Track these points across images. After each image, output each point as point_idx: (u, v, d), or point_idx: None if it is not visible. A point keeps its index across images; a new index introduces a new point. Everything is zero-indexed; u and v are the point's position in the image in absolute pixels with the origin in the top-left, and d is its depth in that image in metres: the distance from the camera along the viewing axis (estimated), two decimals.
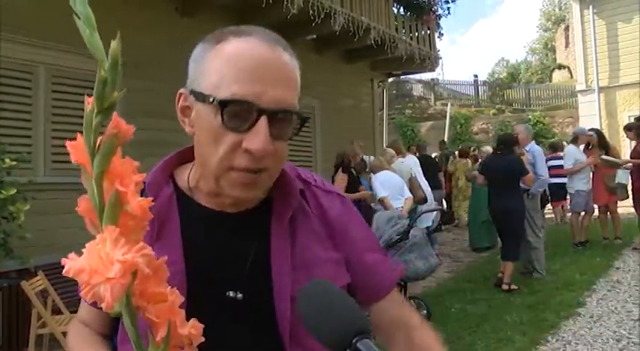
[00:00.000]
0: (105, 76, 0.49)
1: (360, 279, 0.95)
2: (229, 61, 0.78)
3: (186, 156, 0.93)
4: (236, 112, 0.77)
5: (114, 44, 0.49)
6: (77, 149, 0.49)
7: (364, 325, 0.62)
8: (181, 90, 0.87)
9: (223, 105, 0.76)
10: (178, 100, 0.87)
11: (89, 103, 0.49)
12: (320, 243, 0.91)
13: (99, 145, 0.49)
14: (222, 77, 0.78)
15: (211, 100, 0.77)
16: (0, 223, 4.06)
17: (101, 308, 0.46)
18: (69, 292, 4.19)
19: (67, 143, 0.49)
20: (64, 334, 3.60)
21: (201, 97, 0.80)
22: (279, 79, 0.80)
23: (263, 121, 0.76)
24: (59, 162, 5.04)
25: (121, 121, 0.50)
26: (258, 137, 0.76)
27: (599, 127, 11.13)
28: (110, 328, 0.92)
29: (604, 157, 7.80)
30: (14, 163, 4.11)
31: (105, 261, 0.44)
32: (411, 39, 9.67)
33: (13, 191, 3.97)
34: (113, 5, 5.62)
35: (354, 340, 0.60)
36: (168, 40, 5.88)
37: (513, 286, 5.67)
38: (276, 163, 0.82)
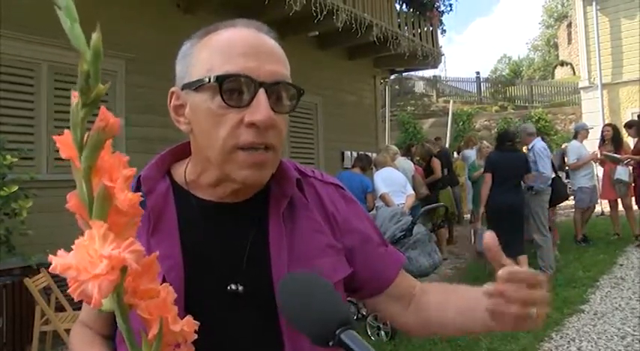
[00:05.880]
0: (88, 69, 0.47)
1: (366, 270, 0.94)
2: (218, 48, 0.80)
3: (181, 152, 0.94)
4: (234, 88, 0.78)
5: (95, 36, 0.47)
6: (65, 144, 0.48)
7: (347, 316, 0.62)
8: (172, 89, 0.87)
9: (221, 81, 0.77)
10: (170, 100, 0.87)
11: (75, 97, 0.48)
12: (320, 232, 0.91)
13: (86, 140, 0.48)
14: (214, 62, 0.79)
15: (208, 80, 0.78)
16: (2, 220, 4.06)
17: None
18: None
19: (55, 138, 0.48)
20: (67, 331, 3.60)
21: (195, 84, 0.80)
22: (270, 56, 0.82)
23: (262, 93, 0.78)
24: (62, 159, 4.97)
25: (109, 114, 0.49)
26: (259, 108, 0.77)
27: (601, 124, 11.09)
28: (111, 329, 0.92)
29: (606, 152, 7.78)
30: (15, 159, 4.11)
31: (92, 257, 0.42)
32: (414, 36, 9.63)
33: (15, 188, 3.97)
34: (115, 1, 5.62)
35: (337, 331, 0.60)
36: (170, 36, 5.87)
37: None
38: (278, 138, 0.82)
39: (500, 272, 0.70)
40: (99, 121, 0.48)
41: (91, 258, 0.42)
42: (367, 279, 0.95)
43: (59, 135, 0.50)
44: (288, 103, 0.83)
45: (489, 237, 0.71)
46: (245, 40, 0.81)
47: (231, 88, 0.78)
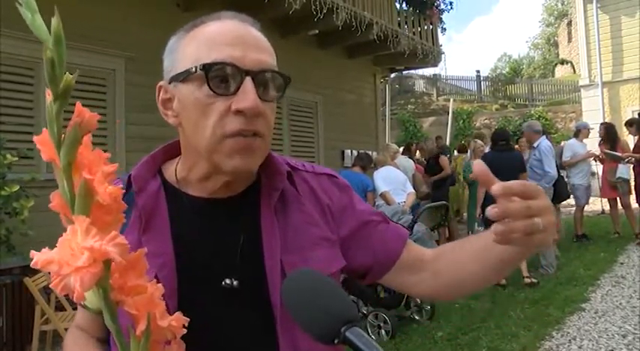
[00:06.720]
0: (51, 56, 0.47)
1: (369, 252, 0.94)
2: (204, 40, 0.81)
3: (173, 151, 0.94)
4: (221, 76, 0.78)
5: (54, 21, 0.47)
6: (45, 144, 0.48)
7: (352, 313, 0.61)
8: (160, 83, 0.87)
9: (207, 70, 0.77)
10: (158, 95, 0.87)
11: (49, 95, 0.48)
12: (313, 225, 0.90)
13: (64, 136, 0.47)
14: (200, 53, 0.80)
15: (194, 69, 0.78)
16: (3, 220, 4.06)
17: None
18: None
19: (35, 139, 0.48)
20: (67, 330, 3.59)
21: (182, 75, 0.81)
22: (256, 45, 0.83)
23: (249, 81, 0.78)
24: None
25: (85, 109, 0.49)
26: (246, 96, 0.77)
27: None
28: (106, 332, 0.91)
29: (606, 151, 7.78)
30: (15, 158, 4.11)
31: (75, 251, 0.42)
32: (414, 34, 9.62)
33: (16, 188, 3.97)
34: (115, 0, 5.61)
35: (342, 329, 0.59)
36: (170, 35, 5.85)
37: (533, 280, 5.65)
38: (266, 127, 0.82)
39: (494, 187, 0.68)
40: (75, 117, 0.48)
41: (72, 251, 0.42)
42: (373, 260, 0.95)
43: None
44: (274, 91, 0.83)
45: (478, 165, 0.70)
46: (230, 31, 0.82)
47: (218, 76, 0.78)
